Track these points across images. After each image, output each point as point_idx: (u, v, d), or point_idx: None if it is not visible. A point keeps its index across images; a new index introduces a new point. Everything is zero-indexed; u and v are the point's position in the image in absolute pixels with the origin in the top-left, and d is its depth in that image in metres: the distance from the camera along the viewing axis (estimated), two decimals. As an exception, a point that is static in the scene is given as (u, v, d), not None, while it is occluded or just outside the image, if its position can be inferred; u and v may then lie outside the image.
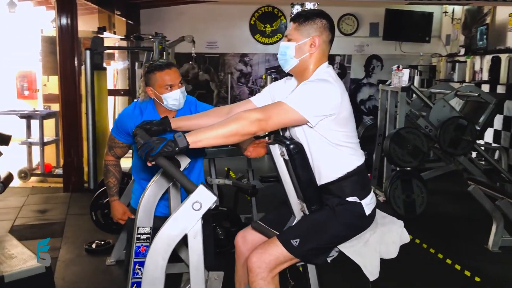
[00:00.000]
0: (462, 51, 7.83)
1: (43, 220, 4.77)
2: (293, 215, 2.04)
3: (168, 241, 1.61)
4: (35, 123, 6.33)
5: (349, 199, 1.95)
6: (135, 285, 2.04)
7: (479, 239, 4.22)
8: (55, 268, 3.55)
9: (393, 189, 4.88)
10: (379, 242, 1.96)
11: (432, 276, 3.62)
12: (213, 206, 1.61)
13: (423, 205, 4.90)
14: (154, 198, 2.03)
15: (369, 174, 5.86)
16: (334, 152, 1.93)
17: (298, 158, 1.90)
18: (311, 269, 2.07)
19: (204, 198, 1.58)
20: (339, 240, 1.97)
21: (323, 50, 1.98)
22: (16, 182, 5.89)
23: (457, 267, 3.73)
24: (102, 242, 4.02)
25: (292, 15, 2.06)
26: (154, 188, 2.01)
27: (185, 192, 1.65)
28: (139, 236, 2.04)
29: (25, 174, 6.18)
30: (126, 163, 3.10)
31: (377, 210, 2.06)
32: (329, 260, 2.03)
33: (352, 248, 1.95)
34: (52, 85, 6.55)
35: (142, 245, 2.05)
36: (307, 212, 1.97)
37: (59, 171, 6.24)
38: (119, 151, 2.49)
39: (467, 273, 3.62)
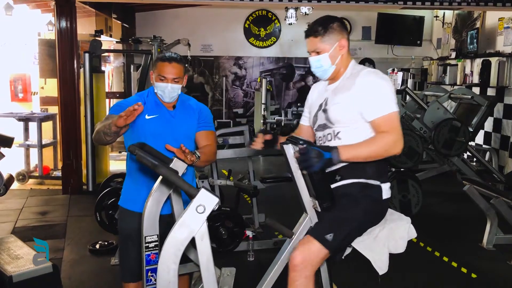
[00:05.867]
0: (453, 54, 8.00)
1: (44, 221, 4.80)
2: (305, 212, 2.12)
3: (177, 246, 1.67)
4: (32, 125, 6.34)
5: (370, 181, 2.09)
6: None
7: (473, 238, 4.34)
8: (61, 268, 3.58)
9: (389, 190, 4.98)
10: (387, 238, 2.06)
11: (430, 273, 3.73)
12: (216, 208, 1.67)
13: (418, 205, 5.01)
14: (157, 206, 2.08)
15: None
16: (366, 136, 2.07)
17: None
18: (322, 265, 2.15)
19: (207, 201, 1.63)
20: (364, 227, 2.09)
21: (347, 47, 2.18)
22: (14, 185, 5.90)
23: (454, 264, 3.84)
24: (106, 243, 4.06)
25: (307, 31, 2.17)
26: (156, 196, 2.05)
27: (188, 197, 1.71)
28: (147, 244, 2.09)
29: (23, 177, 6.19)
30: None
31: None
32: (342, 257, 2.12)
33: (363, 244, 2.04)
34: (50, 87, 6.57)
35: (151, 253, 2.10)
36: (319, 209, 2.06)
37: (57, 173, 6.26)
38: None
39: (464, 270, 3.74)
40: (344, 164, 2.07)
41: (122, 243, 2.53)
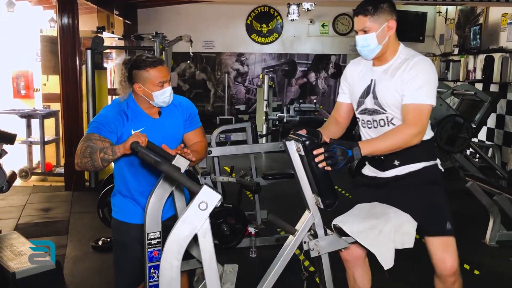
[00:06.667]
0: (456, 50, 7.97)
1: (47, 218, 4.81)
2: (307, 209, 2.12)
3: (179, 243, 1.66)
4: (34, 122, 6.35)
5: (429, 163, 2.20)
6: None
7: (476, 234, 4.32)
8: (63, 265, 3.59)
9: (391, 186, 4.97)
10: (393, 232, 2.05)
11: (433, 270, 3.71)
12: (218, 204, 1.67)
13: (421, 202, 4.99)
14: (159, 203, 2.07)
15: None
16: None
17: (313, 153, 1.97)
18: (325, 259, 2.14)
19: (209, 198, 1.61)
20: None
21: (395, 28, 2.14)
22: (16, 181, 5.90)
23: (457, 260, 3.83)
24: (108, 239, 4.06)
25: (356, 9, 2.14)
26: (158, 193, 2.05)
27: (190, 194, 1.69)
28: (150, 241, 2.09)
29: (25, 173, 6.20)
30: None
31: (391, 206, 2.17)
32: (343, 249, 2.13)
33: (368, 238, 2.03)
34: (52, 84, 6.57)
35: (154, 249, 2.11)
36: (321, 206, 2.05)
37: (60, 170, 6.28)
38: (101, 145, 2.11)
39: (467, 266, 3.72)
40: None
41: (117, 253, 2.40)
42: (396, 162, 2.18)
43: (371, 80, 2.19)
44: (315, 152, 1.94)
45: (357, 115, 2.28)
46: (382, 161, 2.23)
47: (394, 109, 2.12)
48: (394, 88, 2.09)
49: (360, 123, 2.28)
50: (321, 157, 1.93)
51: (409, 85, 2.05)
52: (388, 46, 2.14)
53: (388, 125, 2.16)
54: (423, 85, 2.04)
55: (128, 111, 2.22)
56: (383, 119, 2.17)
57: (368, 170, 2.33)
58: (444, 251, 2.14)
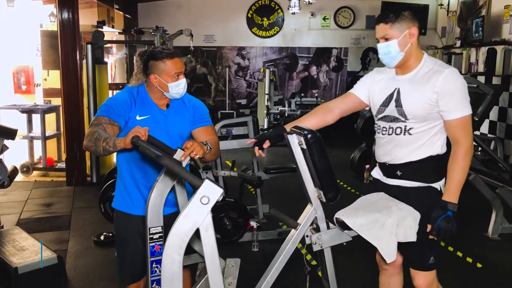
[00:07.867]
0: (458, 43, 7.93)
1: (49, 213, 4.81)
2: (309, 203, 2.11)
3: (181, 237, 1.65)
4: (35, 117, 6.34)
5: (432, 185, 2.13)
6: (155, 282, 2.08)
7: (479, 227, 4.32)
8: (65, 260, 3.60)
9: (393, 179, 4.95)
10: (395, 226, 2.04)
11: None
12: (220, 199, 1.65)
13: (423, 195, 4.97)
14: (161, 198, 2.06)
15: (368, 166, 6.02)
16: (436, 136, 2.11)
17: (315, 147, 1.97)
18: (327, 253, 2.14)
19: (211, 192, 1.61)
20: None
21: (417, 36, 2.12)
22: (18, 177, 5.90)
23: (459, 254, 3.83)
24: (110, 234, 4.06)
25: (377, 18, 2.15)
26: (160, 188, 2.03)
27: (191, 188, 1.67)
28: (151, 236, 2.07)
29: (27, 169, 6.20)
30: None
31: (394, 199, 2.15)
32: (344, 243, 2.12)
33: (369, 232, 2.03)
34: (53, 79, 6.56)
35: (156, 244, 2.09)
36: (323, 200, 2.04)
37: (61, 165, 6.27)
38: (110, 129, 2.13)
39: (469, 259, 3.72)
40: (403, 161, 2.13)
41: (119, 246, 2.40)
42: (399, 173, 2.16)
43: (395, 88, 2.16)
44: (430, 237, 2.05)
45: (376, 122, 2.25)
46: (387, 167, 2.20)
47: (417, 119, 2.09)
48: (425, 97, 2.05)
49: (376, 129, 2.26)
50: (435, 238, 2.03)
51: (448, 100, 2.03)
52: (411, 54, 2.11)
53: (404, 134, 2.12)
54: (460, 98, 2.03)
55: (137, 97, 2.25)
56: (400, 127, 2.13)
57: (376, 172, 2.31)
58: (420, 282, 2.19)
